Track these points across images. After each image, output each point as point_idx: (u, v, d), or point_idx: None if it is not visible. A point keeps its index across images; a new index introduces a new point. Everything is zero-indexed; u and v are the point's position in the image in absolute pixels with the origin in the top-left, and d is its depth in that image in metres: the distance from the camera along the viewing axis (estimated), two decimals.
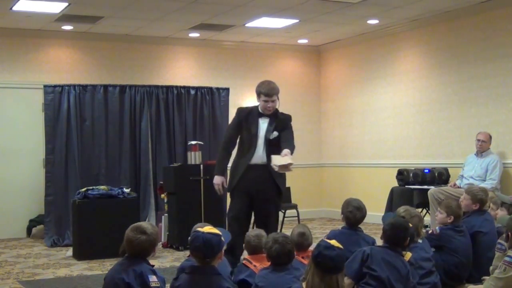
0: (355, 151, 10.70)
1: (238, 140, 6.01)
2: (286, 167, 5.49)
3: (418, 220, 4.80)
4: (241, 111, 6.02)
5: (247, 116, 5.88)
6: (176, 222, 7.84)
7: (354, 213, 4.86)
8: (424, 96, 9.43)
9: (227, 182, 5.97)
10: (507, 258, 4.03)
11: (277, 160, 5.49)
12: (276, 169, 5.50)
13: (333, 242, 3.38)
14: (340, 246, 3.39)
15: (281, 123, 5.93)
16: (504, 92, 8.26)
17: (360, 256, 4.00)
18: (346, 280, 3.84)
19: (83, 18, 8.77)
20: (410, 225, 4.38)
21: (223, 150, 6.06)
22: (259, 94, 5.88)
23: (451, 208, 5.28)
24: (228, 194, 6.05)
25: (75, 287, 5.93)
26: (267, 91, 5.82)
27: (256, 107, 5.96)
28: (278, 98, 5.92)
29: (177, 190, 7.93)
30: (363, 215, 4.86)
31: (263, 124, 5.85)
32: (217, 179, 5.91)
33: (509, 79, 8.21)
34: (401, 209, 4.89)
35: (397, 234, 4.12)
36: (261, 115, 5.86)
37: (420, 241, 4.78)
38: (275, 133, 5.84)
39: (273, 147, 5.73)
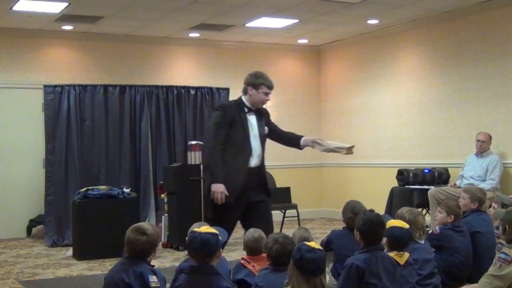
0: (355, 151, 10.66)
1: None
2: (350, 149, 5.41)
3: (423, 219, 4.81)
4: (228, 106, 5.42)
5: (237, 112, 5.29)
6: (176, 222, 7.84)
7: (353, 220, 4.83)
8: (424, 96, 9.43)
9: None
10: (501, 255, 4.02)
11: (336, 144, 5.43)
12: (344, 152, 5.38)
13: (313, 244, 3.41)
14: (320, 247, 3.42)
15: (264, 116, 5.46)
16: (504, 92, 8.26)
17: (355, 273, 3.85)
18: None
19: (83, 18, 8.77)
20: (407, 225, 4.37)
21: (218, 153, 5.20)
22: (258, 85, 5.31)
23: (451, 208, 5.29)
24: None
25: (75, 287, 5.93)
26: (270, 83, 5.35)
27: (238, 102, 5.39)
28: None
29: (177, 190, 7.93)
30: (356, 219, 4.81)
31: (252, 120, 5.35)
32: (220, 187, 5.14)
33: (509, 79, 8.21)
34: (404, 210, 4.88)
35: (375, 230, 3.98)
36: (249, 110, 5.33)
37: (421, 242, 4.77)
38: (266, 128, 5.43)
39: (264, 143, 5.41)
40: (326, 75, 11.40)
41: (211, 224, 4.27)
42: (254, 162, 5.29)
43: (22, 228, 9.31)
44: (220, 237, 3.68)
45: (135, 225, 3.77)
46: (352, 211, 4.89)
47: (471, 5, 8.48)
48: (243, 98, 5.38)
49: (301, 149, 5.65)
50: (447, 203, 5.42)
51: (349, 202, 5.07)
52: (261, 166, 5.40)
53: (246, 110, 5.33)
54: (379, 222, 4.01)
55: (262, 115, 5.45)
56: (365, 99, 10.50)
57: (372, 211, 4.10)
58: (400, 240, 4.19)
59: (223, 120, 5.25)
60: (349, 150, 5.43)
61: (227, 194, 5.14)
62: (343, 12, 8.71)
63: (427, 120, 9.38)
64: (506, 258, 3.98)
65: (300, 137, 5.61)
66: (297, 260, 3.32)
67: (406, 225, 4.36)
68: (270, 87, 5.36)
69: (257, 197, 5.31)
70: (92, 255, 7.24)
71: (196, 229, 3.67)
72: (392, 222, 4.28)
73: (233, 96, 9.76)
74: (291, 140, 5.66)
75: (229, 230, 4.96)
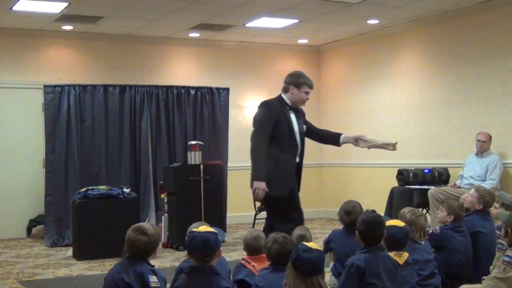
0: (355, 151, 10.61)
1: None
2: (395, 145, 5.55)
3: (424, 220, 4.81)
4: (273, 104, 5.50)
5: (281, 109, 5.42)
6: (176, 222, 7.84)
7: (342, 217, 4.95)
8: (424, 96, 9.43)
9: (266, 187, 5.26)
10: (506, 258, 4.02)
11: (382, 141, 5.64)
12: (391, 148, 5.50)
13: (311, 244, 3.41)
14: (318, 247, 3.42)
15: (301, 114, 5.66)
16: (504, 92, 8.26)
17: (356, 273, 3.85)
18: None
19: (83, 18, 8.77)
20: (403, 224, 4.36)
21: (263, 150, 5.26)
22: (301, 84, 5.45)
23: (452, 208, 5.28)
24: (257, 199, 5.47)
25: (75, 287, 5.94)
26: (311, 83, 5.51)
27: (280, 99, 5.54)
28: None
29: (177, 190, 7.93)
30: (351, 220, 4.80)
31: (293, 118, 5.49)
32: (262, 185, 5.18)
33: (509, 79, 8.21)
34: (406, 210, 4.88)
35: (374, 230, 3.97)
36: (290, 108, 5.49)
37: (422, 242, 4.77)
38: (304, 126, 5.60)
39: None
40: (326, 75, 11.40)
41: (272, 219, 4.93)
42: (298, 158, 5.51)
43: (22, 228, 9.31)
44: (219, 237, 3.68)
45: (136, 225, 3.78)
46: (344, 209, 4.97)
47: (471, 5, 8.48)
48: (284, 96, 5.53)
49: (339, 146, 5.80)
50: (450, 202, 5.41)
51: (346, 201, 5.10)
52: (301, 162, 5.57)
53: (287, 107, 5.47)
54: (377, 222, 4.00)
55: (300, 114, 5.62)
56: (365, 99, 10.50)
57: (373, 211, 4.10)
58: (395, 239, 4.18)
59: (269, 117, 5.37)
60: (394, 147, 5.56)
61: (267, 190, 5.20)
62: (343, 12, 8.71)
63: (427, 120, 9.38)
64: (510, 261, 3.98)
65: (339, 134, 5.76)
66: (294, 260, 3.33)
67: (402, 224, 4.35)
68: (311, 86, 5.53)
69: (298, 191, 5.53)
70: (92, 255, 7.24)
71: (195, 229, 3.67)
72: (388, 222, 4.28)
73: (233, 96, 9.80)
74: (330, 138, 5.84)
75: (290, 220, 5.20)
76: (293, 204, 5.46)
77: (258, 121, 5.44)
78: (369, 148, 5.72)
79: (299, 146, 5.47)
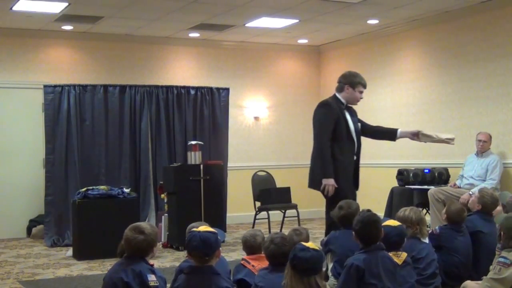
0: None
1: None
2: (453, 139, 5.77)
3: (423, 215, 4.84)
4: (332, 104, 5.64)
5: (339, 109, 5.62)
6: (176, 222, 7.84)
7: (334, 212, 5.05)
8: (424, 96, 9.43)
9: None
10: (501, 259, 4.04)
11: (445, 135, 5.84)
12: (452, 142, 5.71)
13: (309, 244, 3.42)
14: (316, 247, 3.42)
15: (354, 113, 5.84)
16: (504, 92, 8.26)
17: (355, 273, 3.86)
18: None
19: (83, 18, 8.77)
20: (397, 223, 4.36)
21: (327, 149, 5.54)
22: (356, 84, 5.65)
23: (448, 209, 5.32)
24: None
25: (75, 287, 5.94)
26: (365, 82, 5.72)
27: (336, 99, 5.69)
28: None
29: (177, 190, 7.93)
30: (341, 214, 4.91)
31: (348, 117, 5.69)
32: (331, 181, 5.54)
33: (509, 79, 8.20)
34: (406, 211, 4.85)
35: (369, 229, 3.98)
36: (346, 107, 5.70)
37: (426, 240, 4.77)
38: (359, 124, 5.80)
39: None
40: (326, 75, 11.40)
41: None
42: (356, 156, 5.72)
43: (22, 228, 9.31)
44: (219, 237, 3.68)
45: (134, 224, 3.78)
46: (338, 205, 5.00)
47: (471, 5, 8.48)
48: (339, 96, 5.70)
49: (395, 141, 6.00)
50: (450, 203, 5.43)
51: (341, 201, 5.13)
52: (358, 160, 5.78)
53: (343, 106, 5.67)
54: (372, 221, 4.00)
55: (353, 112, 5.78)
56: (365, 99, 10.40)
57: (368, 210, 4.10)
58: (387, 238, 4.18)
59: (330, 118, 5.57)
60: (453, 141, 5.76)
61: (336, 186, 5.52)
62: (343, 12, 8.71)
63: (427, 120, 9.37)
64: (505, 261, 4.00)
65: (395, 130, 5.94)
66: (291, 259, 3.34)
67: (396, 223, 4.35)
68: (365, 86, 5.73)
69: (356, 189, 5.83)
70: (92, 255, 7.24)
71: (195, 229, 3.67)
72: (383, 222, 4.28)
73: (233, 96, 9.80)
74: (385, 134, 6.01)
75: None
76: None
77: (319, 122, 5.64)
78: (430, 142, 5.89)
79: (355, 144, 5.68)
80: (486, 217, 5.50)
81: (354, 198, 5.58)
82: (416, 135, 5.88)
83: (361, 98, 5.76)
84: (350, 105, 5.78)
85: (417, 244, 4.62)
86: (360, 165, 9.83)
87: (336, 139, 5.56)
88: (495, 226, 5.31)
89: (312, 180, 5.75)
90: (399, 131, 5.94)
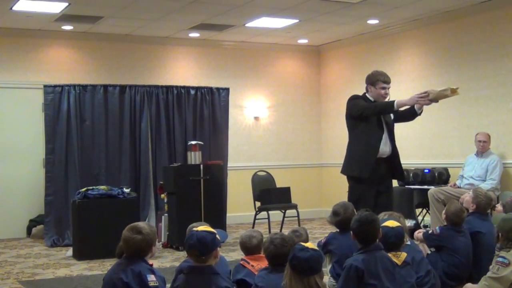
0: None
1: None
2: (455, 90, 5.77)
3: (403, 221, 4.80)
4: (359, 97, 6.00)
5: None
6: (176, 222, 7.84)
7: (331, 218, 5.05)
8: None
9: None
10: (499, 259, 4.07)
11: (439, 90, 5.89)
12: (449, 92, 5.80)
13: (308, 244, 3.41)
14: (315, 247, 3.41)
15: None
16: (504, 92, 8.26)
17: (355, 274, 3.86)
18: None
19: (83, 18, 8.77)
20: (396, 224, 4.35)
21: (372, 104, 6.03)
22: (375, 82, 5.89)
23: (448, 210, 5.32)
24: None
25: (75, 287, 5.94)
26: (385, 78, 5.90)
27: (364, 97, 5.97)
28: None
29: (177, 190, 7.93)
30: (337, 220, 4.92)
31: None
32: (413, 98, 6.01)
33: (509, 79, 8.20)
34: (381, 215, 4.84)
35: (367, 229, 3.98)
36: None
37: (409, 242, 4.75)
38: (391, 115, 6.02)
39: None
40: (326, 75, 11.39)
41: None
42: (388, 148, 6.07)
43: (22, 228, 9.31)
44: (217, 236, 3.68)
45: (132, 224, 3.78)
46: (332, 210, 5.01)
47: (471, 5, 8.48)
48: (368, 95, 5.96)
49: (419, 114, 6.15)
50: (450, 204, 5.43)
51: (336, 204, 5.13)
52: (394, 152, 6.17)
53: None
54: (370, 221, 3.99)
55: None
56: None
57: (366, 210, 4.10)
58: (387, 239, 4.17)
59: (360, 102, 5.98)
60: (454, 91, 5.76)
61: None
62: (343, 12, 8.71)
63: (427, 120, 9.36)
64: (504, 261, 4.03)
65: (412, 108, 6.06)
66: (290, 259, 3.34)
67: (395, 224, 4.34)
68: (386, 81, 5.91)
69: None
70: (92, 255, 7.24)
71: (194, 229, 3.68)
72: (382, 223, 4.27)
73: (233, 96, 9.80)
74: (408, 112, 6.12)
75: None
76: (372, 188, 5.82)
77: (355, 105, 5.88)
78: (437, 101, 6.02)
79: (386, 135, 5.92)
80: (483, 217, 5.51)
81: (374, 185, 5.84)
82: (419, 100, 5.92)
83: (386, 93, 5.92)
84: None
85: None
86: None
87: (364, 129, 5.87)
88: (493, 226, 5.32)
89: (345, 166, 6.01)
90: (415, 106, 6.03)
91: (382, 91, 5.88)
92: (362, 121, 5.85)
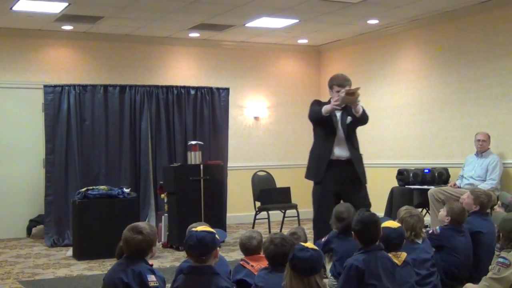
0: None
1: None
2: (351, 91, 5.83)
3: (417, 220, 4.80)
4: (321, 103, 6.17)
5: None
6: (176, 222, 7.84)
7: (336, 225, 5.08)
8: (424, 96, 9.43)
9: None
10: (500, 259, 4.07)
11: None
12: (343, 93, 5.81)
13: (308, 244, 3.42)
14: (315, 247, 3.42)
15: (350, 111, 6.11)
16: (504, 92, 8.26)
17: (355, 274, 3.87)
18: None
19: (83, 18, 8.77)
20: (397, 225, 4.36)
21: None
22: (331, 86, 6.09)
23: (452, 210, 5.31)
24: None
25: (75, 287, 5.94)
26: (338, 81, 6.06)
27: (328, 102, 6.11)
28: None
29: (177, 190, 7.93)
30: (344, 225, 4.91)
31: (338, 114, 6.09)
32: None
33: (509, 79, 8.20)
34: (403, 208, 4.90)
35: (369, 229, 3.99)
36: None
37: (419, 241, 4.77)
38: (349, 118, 6.05)
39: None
40: (326, 75, 11.35)
41: None
42: (344, 151, 6.07)
43: (22, 228, 9.31)
44: (217, 236, 3.68)
45: (132, 224, 3.79)
46: (335, 216, 5.02)
47: (471, 5, 8.48)
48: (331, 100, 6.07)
49: (358, 117, 6.10)
50: (452, 204, 5.43)
51: (335, 207, 5.12)
52: (353, 156, 6.11)
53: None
54: (372, 221, 4.00)
55: (348, 111, 6.08)
56: (365, 99, 10.41)
57: (367, 210, 4.11)
58: (388, 240, 4.18)
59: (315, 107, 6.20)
60: (352, 93, 5.81)
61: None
62: (343, 12, 8.71)
63: (427, 120, 9.38)
64: (504, 262, 4.03)
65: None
66: (290, 259, 3.34)
67: (396, 225, 4.35)
68: (340, 84, 6.04)
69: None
70: (92, 255, 7.24)
71: (193, 229, 3.68)
72: (383, 223, 4.28)
73: (233, 96, 9.80)
74: (357, 119, 6.16)
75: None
76: (330, 189, 5.97)
77: (309, 110, 6.19)
78: (351, 104, 5.98)
79: (341, 139, 5.99)
80: (483, 216, 5.51)
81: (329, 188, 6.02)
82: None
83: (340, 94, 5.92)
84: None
85: (408, 246, 4.59)
86: None
87: (319, 134, 6.12)
88: (493, 225, 5.32)
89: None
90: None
91: (337, 95, 5.96)
92: (316, 126, 6.12)
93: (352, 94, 5.79)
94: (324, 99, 12.05)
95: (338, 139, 5.99)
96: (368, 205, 5.96)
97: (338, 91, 5.94)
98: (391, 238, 4.20)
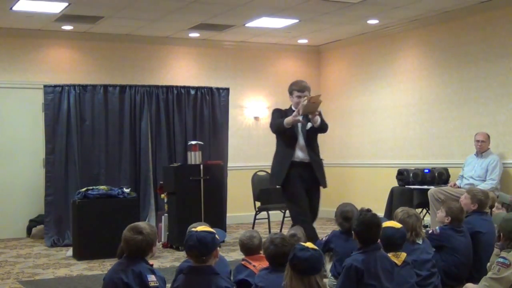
0: (355, 151, 10.70)
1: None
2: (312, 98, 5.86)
3: (416, 220, 4.80)
4: (282, 111, 6.23)
5: (286, 114, 6.08)
6: (176, 222, 7.84)
7: (343, 224, 5.07)
8: (424, 96, 9.43)
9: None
10: (500, 259, 4.07)
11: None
12: (305, 102, 5.84)
13: (308, 244, 3.42)
14: (316, 247, 3.42)
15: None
16: (504, 92, 8.26)
17: (354, 275, 3.87)
18: None
19: (83, 18, 8.77)
20: (400, 225, 4.36)
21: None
22: (291, 92, 6.17)
23: (451, 210, 5.30)
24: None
25: (75, 287, 5.94)
26: (298, 87, 6.13)
27: (290, 109, 6.18)
28: (309, 95, 6.13)
29: (177, 190, 7.93)
30: (350, 225, 4.89)
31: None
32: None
33: (509, 79, 8.21)
34: (399, 209, 4.91)
35: (370, 230, 3.99)
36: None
37: (420, 242, 4.76)
38: (308, 124, 6.11)
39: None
40: (326, 75, 11.40)
41: None
42: (303, 154, 6.17)
43: (22, 228, 9.31)
44: (217, 236, 3.68)
45: (132, 224, 3.79)
46: (342, 216, 5.00)
47: (471, 5, 8.48)
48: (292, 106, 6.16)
49: (317, 127, 6.14)
50: (450, 204, 5.43)
51: (340, 206, 5.12)
52: (312, 160, 6.22)
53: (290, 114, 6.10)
54: (374, 222, 4.00)
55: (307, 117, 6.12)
56: (365, 99, 10.49)
57: (368, 210, 4.11)
58: (392, 240, 4.18)
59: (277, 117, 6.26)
60: (315, 99, 5.85)
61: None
62: (343, 12, 8.71)
63: (427, 120, 9.38)
64: (504, 262, 4.03)
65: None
66: (291, 259, 3.35)
67: (399, 225, 4.35)
68: (300, 90, 6.12)
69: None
70: (92, 255, 7.24)
71: (193, 229, 3.68)
72: (384, 223, 4.28)
73: (233, 96, 9.80)
74: (316, 128, 6.19)
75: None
76: (295, 189, 6.08)
77: (271, 120, 6.26)
78: (312, 113, 6.01)
79: (301, 144, 6.10)
80: (483, 216, 5.51)
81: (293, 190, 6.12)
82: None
83: (302, 101, 5.94)
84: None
85: (408, 246, 4.59)
86: (361, 165, 9.86)
87: (281, 139, 6.18)
88: (493, 225, 5.32)
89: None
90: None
91: (297, 100, 6.05)
92: (279, 134, 6.18)
93: (315, 102, 5.85)
94: (323, 99, 12.06)
95: (299, 145, 6.12)
96: (317, 208, 6.29)
97: (298, 96, 6.06)
98: (394, 238, 4.20)
